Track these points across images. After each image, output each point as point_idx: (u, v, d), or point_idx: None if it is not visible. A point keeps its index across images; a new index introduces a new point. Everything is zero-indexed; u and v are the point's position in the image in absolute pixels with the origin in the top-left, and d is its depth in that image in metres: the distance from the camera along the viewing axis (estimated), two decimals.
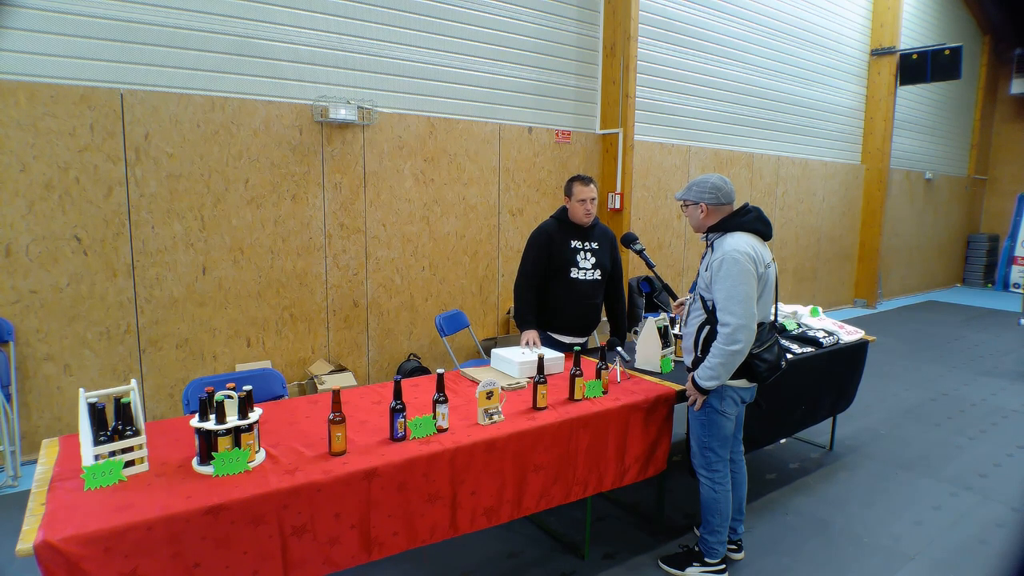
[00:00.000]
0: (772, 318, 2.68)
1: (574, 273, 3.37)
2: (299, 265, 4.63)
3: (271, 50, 4.37)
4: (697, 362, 2.60)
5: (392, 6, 4.86)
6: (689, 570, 2.77)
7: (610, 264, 3.50)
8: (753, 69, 7.80)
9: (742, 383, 2.62)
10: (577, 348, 2.92)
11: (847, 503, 3.50)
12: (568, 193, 3.39)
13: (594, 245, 3.43)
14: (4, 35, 3.49)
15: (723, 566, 2.75)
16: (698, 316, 2.62)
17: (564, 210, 3.45)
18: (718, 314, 2.48)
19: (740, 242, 2.49)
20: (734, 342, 2.42)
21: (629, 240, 3.33)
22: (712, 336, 2.53)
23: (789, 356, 3.45)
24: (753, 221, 2.58)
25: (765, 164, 8.18)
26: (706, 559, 2.75)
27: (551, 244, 3.37)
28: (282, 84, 4.44)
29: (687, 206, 2.69)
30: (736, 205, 2.63)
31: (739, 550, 2.93)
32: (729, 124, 7.66)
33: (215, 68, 4.17)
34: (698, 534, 2.98)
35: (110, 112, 3.82)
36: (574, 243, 3.39)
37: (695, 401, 2.65)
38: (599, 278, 3.43)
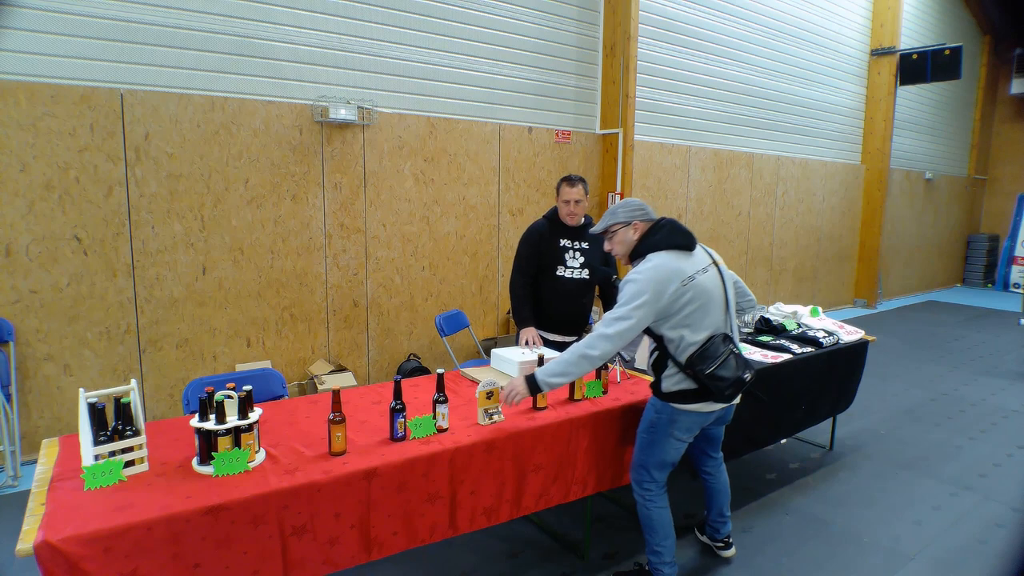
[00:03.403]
0: (724, 330, 2.44)
1: (560, 271, 3.38)
2: (299, 265, 4.63)
3: (271, 50, 4.37)
4: (655, 385, 2.51)
5: (392, 6, 4.86)
6: None
7: (602, 264, 3.50)
8: (753, 69, 7.80)
9: (698, 406, 2.44)
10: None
11: (847, 503, 3.50)
12: (556, 192, 3.41)
13: (584, 245, 3.42)
14: (4, 35, 3.49)
15: None
16: (650, 342, 2.55)
17: (556, 209, 3.46)
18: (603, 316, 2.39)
19: (648, 266, 2.35)
20: (592, 347, 2.31)
21: (607, 279, 3.22)
22: (662, 357, 2.44)
23: (788, 356, 3.45)
24: (668, 236, 2.41)
25: (765, 164, 8.18)
26: None
27: (540, 242, 3.39)
28: (282, 84, 4.44)
29: (615, 232, 2.51)
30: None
31: (726, 547, 2.90)
32: (729, 124, 7.66)
33: (215, 68, 4.17)
34: (707, 539, 2.99)
35: (110, 112, 3.82)
36: (563, 242, 3.40)
37: (515, 396, 2.39)
38: (587, 278, 3.43)
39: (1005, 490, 3.70)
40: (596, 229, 2.59)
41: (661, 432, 2.50)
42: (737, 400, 2.61)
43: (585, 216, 3.46)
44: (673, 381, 2.43)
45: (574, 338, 3.54)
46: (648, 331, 2.43)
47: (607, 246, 2.59)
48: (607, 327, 2.30)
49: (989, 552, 3.04)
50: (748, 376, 2.40)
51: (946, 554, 3.01)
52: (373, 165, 4.89)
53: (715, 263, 2.50)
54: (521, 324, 3.37)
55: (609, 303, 3.64)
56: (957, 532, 3.22)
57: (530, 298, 3.42)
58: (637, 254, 2.46)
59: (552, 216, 3.46)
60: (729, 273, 2.61)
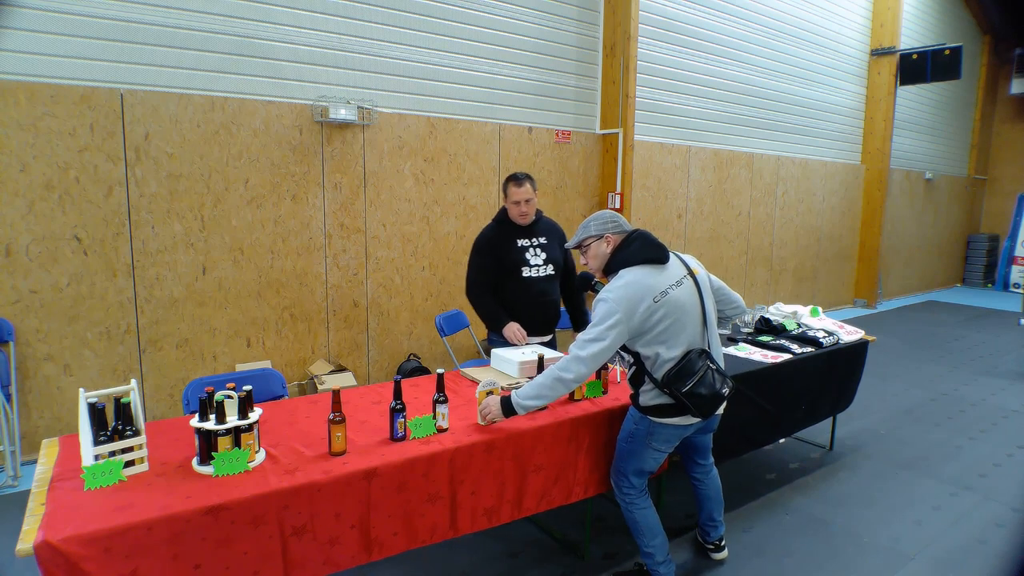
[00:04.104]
0: (701, 346, 2.40)
1: (526, 272, 3.29)
2: (299, 265, 4.63)
3: (271, 50, 4.37)
4: (634, 397, 2.50)
5: (392, 6, 4.86)
6: None
7: (562, 258, 3.43)
8: (753, 69, 7.80)
9: (677, 420, 2.41)
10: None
11: (847, 503, 3.50)
12: (504, 193, 3.30)
13: (542, 240, 3.36)
14: (4, 35, 3.49)
15: None
16: (627, 359, 2.55)
17: (505, 210, 3.36)
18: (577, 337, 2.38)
19: (619, 283, 2.33)
20: (566, 370, 2.29)
21: (586, 283, 3.02)
22: (639, 373, 2.42)
23: (788, 356, 3.45)
24: (639, 251, 2.38)
25: (765, 164, 8.18)
26: None
27: (493, 248, 3.29)
28: (282, 84, 4.44)
29: (588, 246, 2.50)
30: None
31: (718, 550, 2.88)
32: (729, 124, 7.66)
33: (215, 68, 4.17)
34: (699, 540, 2.98)
35: (110, 112, 3.82)
36: (520, 242, 3.30)
37: (488, 416, 2.38)
38: (552, 273, 3.37)
39: (1005, 490, 3.70)
40: (570, 244, 2.59)
41: (639, 443, 2.49)
42: (720, 410, 2.56)
43: (536, 211, 3.39)
44: (650, 396, 2.40)
45: (549, 337, 3.49)
46: (624, 347, 2.41)
47: (582, 260, 2.57)
48: (581, 349, 2.29)
49: (989, 552, 3.04)
50: (727, 391, 2.37)
51: (946, 554, 3.01)
52: (373, 165, 4.89)
53: (691, 274, 2.45)
54: (499, 326, 3.24)
55: (572, 302, 3.56)
56: (957, 532, 3.22)
57: (495, 302, 3.31)
58: (610, 269, 2.45)
59: (502, 218, 3.36)
60: (710, 281, 2.56)
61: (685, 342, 2.35)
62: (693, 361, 2.31)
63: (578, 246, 2.55)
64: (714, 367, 2.37)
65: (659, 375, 2.34)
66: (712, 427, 2.64)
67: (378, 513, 2.09)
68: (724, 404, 2.46)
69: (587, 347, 2.28)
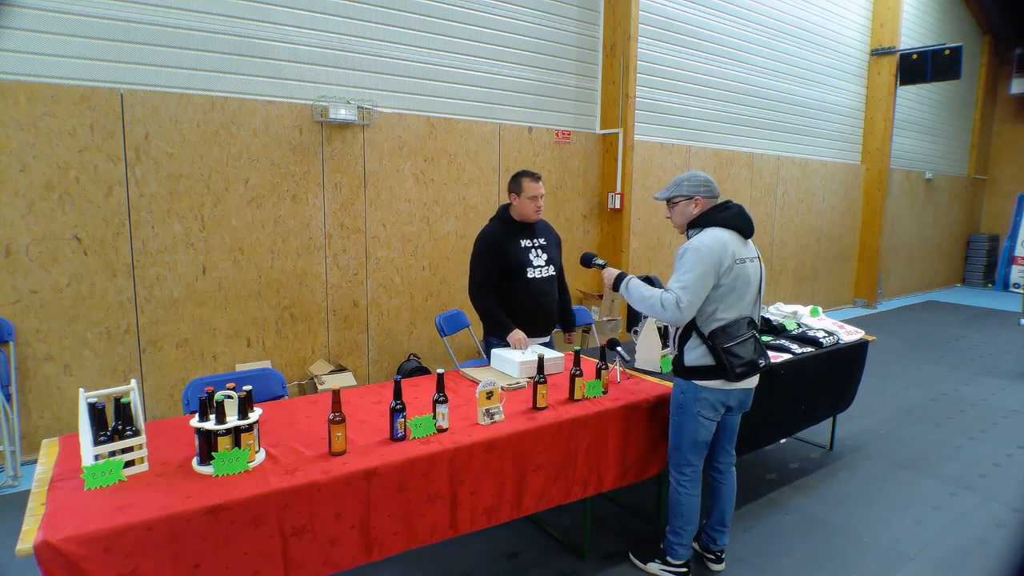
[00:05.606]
0: (751, 316, 2.58)
1: (531, 273, 3.27)
2: (299, 265, 4.63)
3: (271, 50, 4.37)
4: (678, 359, 2.59)
5: (392, 6, 4.86)
6: (650, 564, 2.78)
7: (559, 258, 3.45)
8: (753, 69, 7.80)
9: (718, 384, 2.53)
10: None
11: (847, 503, 3.50)
12: (516, 190, 3.24)
13: (542, 241, 3.36)
14: (4, 35, 3.49)
15: (685, 569, 2.71)
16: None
17: (505, 209, 3.32)
18: (668, 284, 2.49)
19: (708, 237, 2.47)
20: (666, 306, 2.41)
21: (588, 260, 3.08)
22: (688, 329, 2.53)
23: (788, 356, 3.45)
24: (733, 217, 2.53)
25: (765, 164, 8.18)
26: (668, 557, 2.73)
27: (498, 247, 3.24)
28: (282, 84, 4.44)
29: (676, 203, 2.62)
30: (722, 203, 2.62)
31: (718, 561, 2.85)
32: (729, 124, 7.66)
33: (215, 68, 4.17)
34: (698, 549, 2.96)
35: (110, 112, 3.82)
36: (524, 242, 3.29)
37: (609, 280, 2.74)
38: (553, 274, 3.38)
39: (1005, 490, 3.70)
40: (660, 195, 2.68)
41: (688, 413, 2.59)
42: (754, 383, 2.66)
43: None
44: (695, 355, 2.52)
45: (547, 337, 3.49)
46: None
47: (666, 213, 2.70)
48: (680, 299, 2.38)
49: (989, 552, 3.04)
50: (763, 363, 2.54)
51: (946, 554, 3.01)
52: (373, 165, 4.89)
53: (759, 258, 2.64)
54: (504, 332, 3.21)
55: (562, 302, 3.54)
56: (957, 532, 3.22)
57: (500, 305, 3.26)
58: (695, 224, 2.58)
59: (504, 216, 3.32)
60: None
61: (739, 310, 2.52)
62: (741, 325, 2.50)
63: (667, 200, 2.65)
64: (757, 338, 2.55)
65: (706, 330, 2.49)
66: (745, 406, 2.71)
67: (378, 513, 2.09)
68: (757, 378, 2.64)
69: (685, 295, 2.39)
